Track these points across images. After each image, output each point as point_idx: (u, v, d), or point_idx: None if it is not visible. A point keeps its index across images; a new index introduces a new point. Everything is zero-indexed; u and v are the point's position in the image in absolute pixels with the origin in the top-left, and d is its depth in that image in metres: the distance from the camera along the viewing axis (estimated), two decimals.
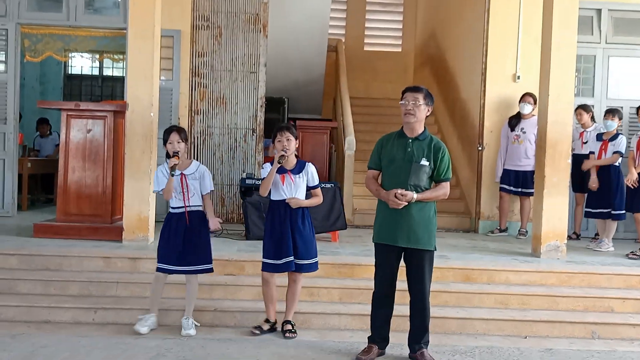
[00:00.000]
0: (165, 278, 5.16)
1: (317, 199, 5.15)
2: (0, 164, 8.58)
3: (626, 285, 6.31)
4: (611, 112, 7.83)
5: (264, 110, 8.90)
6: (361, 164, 9.95)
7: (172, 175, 4.92)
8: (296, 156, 5.11)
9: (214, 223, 5.14)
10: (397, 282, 4.65)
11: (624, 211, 7.65)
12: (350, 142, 9.09)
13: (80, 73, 15.07)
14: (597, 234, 8.22)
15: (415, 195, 4.35)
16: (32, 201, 10.31)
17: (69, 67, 14.89)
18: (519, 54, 8.83)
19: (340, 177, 9.46)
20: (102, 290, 5.76)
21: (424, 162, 4.41)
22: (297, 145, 5.05)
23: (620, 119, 7.84)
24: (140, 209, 6.75)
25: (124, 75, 9.05)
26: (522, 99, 8.44)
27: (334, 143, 10.73)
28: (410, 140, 4.47)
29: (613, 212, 7.65)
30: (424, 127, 4.54)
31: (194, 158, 5.17)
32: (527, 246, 7.43)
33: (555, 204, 6.93)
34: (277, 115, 11.88)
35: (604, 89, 9.01)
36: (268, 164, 5.02)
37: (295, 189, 5.00)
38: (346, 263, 6.28)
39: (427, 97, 4.48)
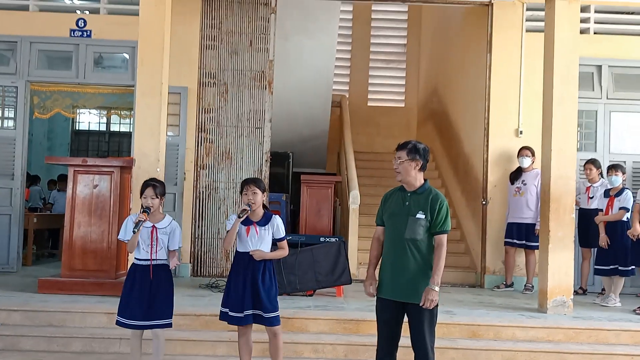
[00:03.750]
0: (141, 333, 5.05)
1: (282, 252, 5.11)
2: (7, 219, 8.62)
3: (634, 342, 6.23)
4: (614, 168, 7.85)
5: (269, 164, 8.98)
6: (366, 218, 9.98)
7: (134, 231, 4.87)
8: (264, 207, 5.09)
9: (173, 262, 5.06)
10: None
11: (631, 267, 7.58)
12: (354, 196, 9.13)
13: (87, 129, 15.29)
14: (603, 289, 8.16)
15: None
16: (36, 256, 10.32)
17: (77, 123, 15.11)
18: (520, 108, 8.93)
19: (344, 232, 9.46)
20: (105, 347, 5.73)
21: (420, 215, 4.35)
22: (264, 198, 5.04)
23: (624, 173, 7.85)
24: None
25: (131, 130, 9.16)
26: (520, 152, 8.54)
27: (338, 197, 10.77)
28: (409, 194, 4.44)
29: (620, 268, 7.59)
30: (424, 180, 4.49)
31: (165, 214, 5.13)
32: (534, 301, 7.37)
33: (561, 258, 6.91)
34: (282, 169, 11.97)
35: (607, 144, 9.07)
36: (234, 215, 5.00)
37: (260, 241, 4.96)
38: (351, 319, 6.23)
39: (412, 152, 4.42)
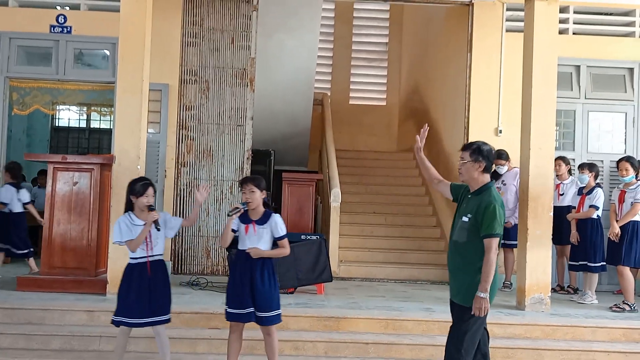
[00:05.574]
0: (129, 331, 5.06)
1: (283, 250, 5.09)
2: None
3: (610, 338, 6.33)
4: (582, 166, 7.99)
5: (250, 162, 8.98)
6: (347, 216, 10.03)
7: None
8: (266, 204, 5.08)
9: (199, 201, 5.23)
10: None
11: (600, 264, 7.71)
12: (335, 194, 9.15)
13: (67, 125, 15.14)
14: (576, 289, 8.28)
15: None
16: None
17: (56, 120, 14.96)
18: (500, 108, 9.01)
19: (326, 229, 9.48)
20: (84, 345, 5.70)
21: (465, 218, 4.33)
22: (263, 196, 5.04)
23: (592, 171, 7.92)
24: (124, 262, 6.68)
25: (112, 127, 9.12)
26: (495, 162, 8.56)
27: (319, 195, 10.79)
28: (469, 196, 4.44)
29: (589, 264, 7.72)
30: (488, 180, 4.41)
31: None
32: (512, 299, 7.45)
33: (539, 256, 7.00)
34: (264, 167, 11.94)
35: (585, 143, 9.16)
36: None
37: (258, 240, 4.96)
38: (332, 316, 6.26)
39: (475, 154, 4.38)
